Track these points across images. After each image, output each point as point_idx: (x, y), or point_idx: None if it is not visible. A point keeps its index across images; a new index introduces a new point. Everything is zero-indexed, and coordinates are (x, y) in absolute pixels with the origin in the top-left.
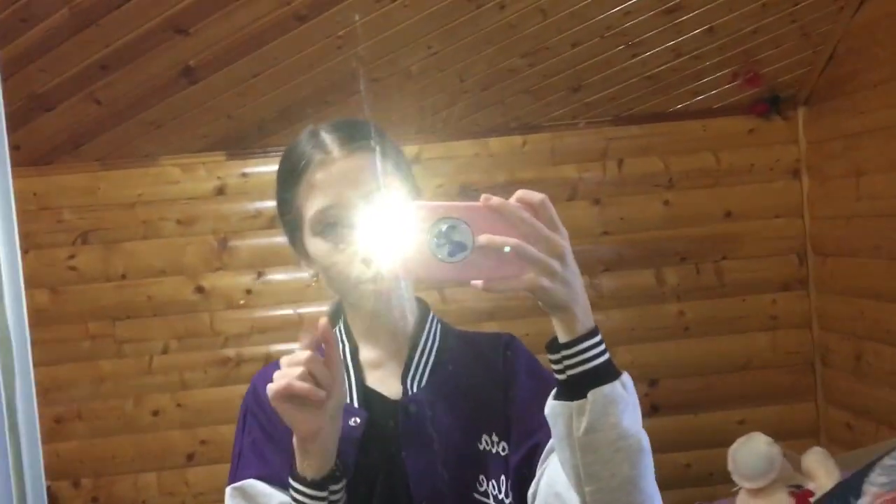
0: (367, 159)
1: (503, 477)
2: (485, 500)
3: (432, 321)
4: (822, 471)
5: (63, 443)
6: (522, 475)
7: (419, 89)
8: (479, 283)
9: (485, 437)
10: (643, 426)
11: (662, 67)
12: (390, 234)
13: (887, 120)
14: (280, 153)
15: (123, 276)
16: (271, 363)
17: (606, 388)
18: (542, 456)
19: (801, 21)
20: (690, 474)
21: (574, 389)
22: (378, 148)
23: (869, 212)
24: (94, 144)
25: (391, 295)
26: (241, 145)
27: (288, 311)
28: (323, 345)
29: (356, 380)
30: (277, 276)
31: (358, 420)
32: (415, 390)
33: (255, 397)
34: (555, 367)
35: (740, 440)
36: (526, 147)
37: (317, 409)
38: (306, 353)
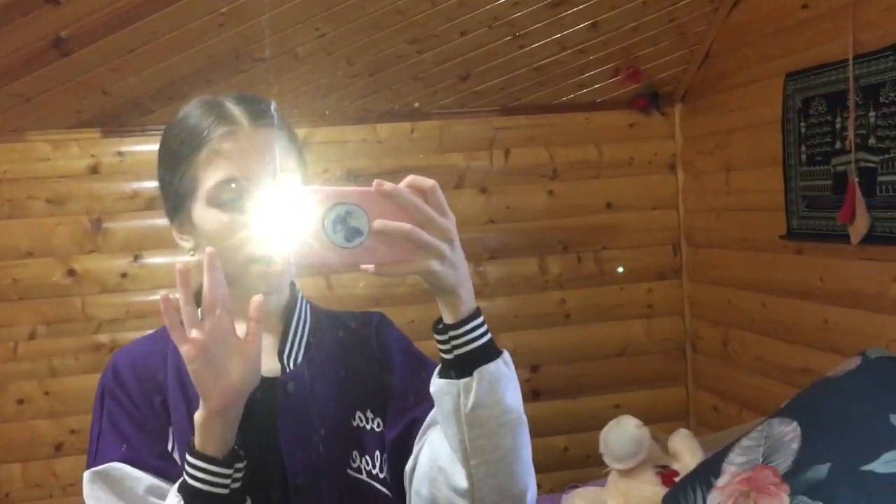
0: (275, 136)
1: (377, 452)
2: (358, 475)
3: (301, 300)
4: (686, 452)
5: None
6: (398, 450)
7: (307, 71)
8: (370, 267)
9: (359, 413)
10: (525, 410)
11: (548, 60)
12: (286, 217)
13: (754, 118)
14: (159, 132)
15: None
16: (134, 342)
17: (491, 365)
18: (420, 431)
19: (679, 20)
20: (569, 457)
21: (461, 368)
22: (283, 127)
23: (737, 205)
24: None
25: (281, 277)
26: (117, 122)
27: None
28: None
29: None
30: (155, 259)
31: None
32: (292, 367)
33: (116, 376)
34: (442, 347)
35: (611, 423)
36: (415, 134)
37: (234, 375)
38: (211, 306)
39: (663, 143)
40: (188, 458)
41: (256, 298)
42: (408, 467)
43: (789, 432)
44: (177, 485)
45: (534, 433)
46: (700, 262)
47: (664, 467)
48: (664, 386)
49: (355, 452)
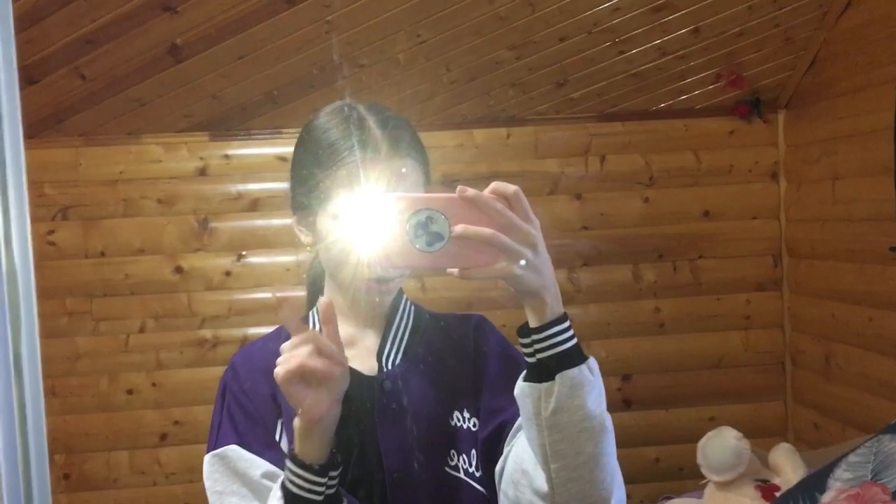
0: (408, 165)
1: (474, 451)
2: (455, 473)
3: (406, 302)
4: (788, 466)
5: None
6: (490, 451)
7: (406, 77)
8: (455, 271)
9: (456, 413)
10: (614, 420)
11: (647, 66)
12: (375, 223)
13: (863, 126)
14: (264, 136)
15: (102, 254)
16: (251, 343)
17: (574, 371)
18: (510, 433)
19: (785, 26)
20: (659, 468)
21: (543, 372)
22: (417, 154)
23: (842, 216)
24: (78, 120)
25: (389, 287)
26: (224, 126)
27: (266, 295)
28: (323, 325)
29: None
30: (257, 258)
31: None
32: (390, 367)
33: (234, 375)
34: (525, 350)
35: (709, 434)
36: (510, 140)
37: (327, 390)
38: (312, 332)
39: (765, 151)
40: (288, 463)
41: (323, 301)
42: (498, 467)
43: None
44: (279, 482)
45: (624, 443)
46: (802, 274)
47: (764, 481)
48: (761, 400)
49: (453, 451)
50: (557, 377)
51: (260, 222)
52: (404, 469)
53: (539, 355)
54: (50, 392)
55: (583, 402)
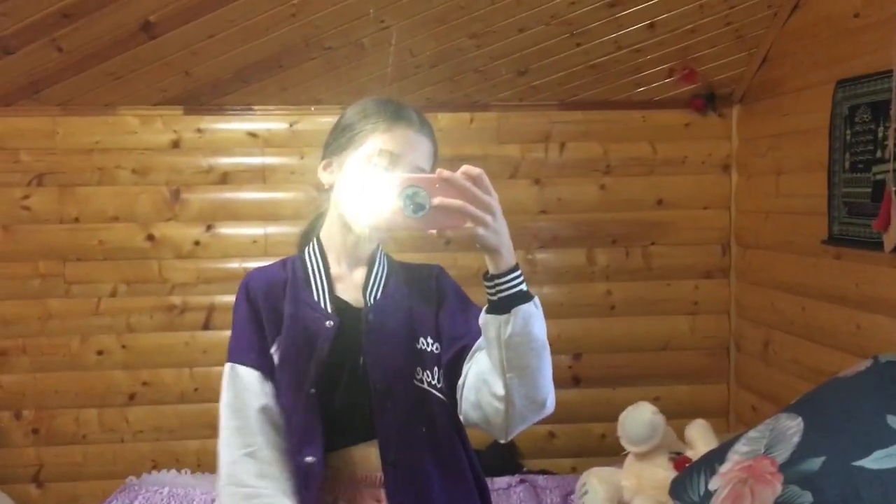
0: (427, 144)
1: (435, 368)
2: (421, 385)
3: (381, 251)
4: (701, 441)
5: (6, 375)
6: (453, 368)
7: (371, 61)
8: (433, 231)
9: (422, 339)
10: (565, 396)
11: (605, 58)
12: (377, 193)
13: (804, 124)
14: (236, 112)
15: (76, 220)
16: (259, 269)
17: (525, 306)
18: (469, 355)
19: (737, 24)
20: (606, 444)
21: (501, 307)
22: (433, 142)
23: (784, 209)
24: (55, 90)
25: (381, 236)
26: (198, 101)
27: (234, 265)
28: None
29: (329, 290)
30: (225, 230)
31: (331, 323)
32: (372, 301)
33: (248, 290)
34: (488, 291)
35: (629, 408)
36: (473, 124)
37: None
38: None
39: (718, 144)
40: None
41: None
42: (460, 382)
43: (793, 426)
44: None
45: (573, 419)
46: (748, 263)
47: (678, 453)
48: (706, 382)
49: (419, 368)
50: (513, 311)
51: (229, 195)
52: (384, 381)
53: (499, 295)
54: (21, 351)
55: (531, 328)
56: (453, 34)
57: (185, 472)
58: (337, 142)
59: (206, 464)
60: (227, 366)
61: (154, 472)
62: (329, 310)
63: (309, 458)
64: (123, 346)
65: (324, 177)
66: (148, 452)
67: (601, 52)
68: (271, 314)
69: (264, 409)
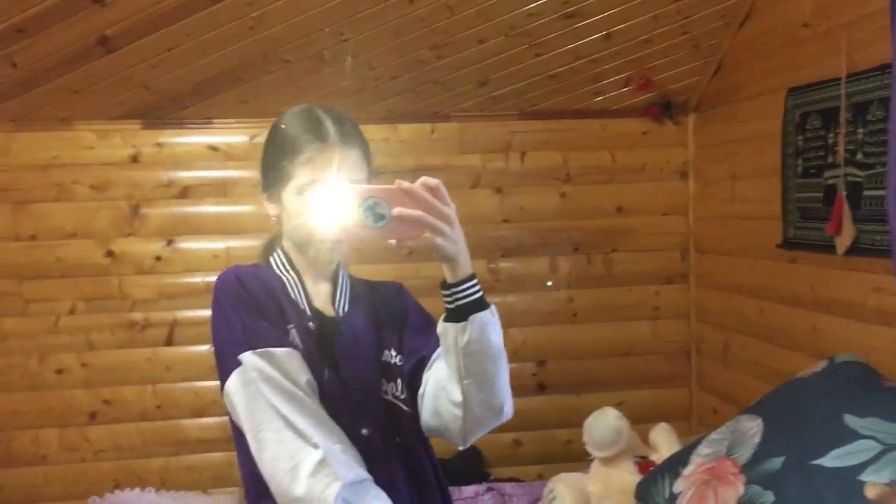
0: (353, 153)
1: (399, 380)
2: (386, 397)
3: (341, 268)
4: (665, 445)
5: None
6: (413, 378)
7: (331, 74)
8: (393, 241)
9: (385, 351)
10: (529, 403)
11: (563, 68)
12: (335, 205)
13: (758, 130)
14: (195, 126)
15: (33, 237)
16: (238, 267)
17: (481, 314)
18: (428, 365)
19: (692, 33)
20: (571, 450)
21: (459, 314)
22: (361, 146)
23: (740, 214)
24: (9, 106)
25: (342, 249)
26: (156, 115)
27: (196, 280)
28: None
29: (308, 300)
30: (186, 244)
31: (312, 325)
32: (342, 313)
33: (241, 283)
34: (446, 299)
35: (594, 413)
36: (434, 135)
37: None
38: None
39: (675, 151)
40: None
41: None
42: (420, 391)
43: (753, 427)
44: None
45: (538, 425)
46: (706, 268)
47: (643, 457)
48: (668, 386)
49: (384, 380)
50: (470, 318)
51: (190, 209)
52: (360, 389)
53: (457, 303)
54: None
55: (487, 335)
56: (413, 46)
57: (149, 491)
58: (267, 179)
59: (169, 481)
60: (251, 358)
61: (117, 492)
62: (308, 312)
63: (364, 431)
64: (84, 365)
65: (269, 209)
66: (110, 472)
67: (560, 63)
68: (271, 302)
69: (310, 384)
